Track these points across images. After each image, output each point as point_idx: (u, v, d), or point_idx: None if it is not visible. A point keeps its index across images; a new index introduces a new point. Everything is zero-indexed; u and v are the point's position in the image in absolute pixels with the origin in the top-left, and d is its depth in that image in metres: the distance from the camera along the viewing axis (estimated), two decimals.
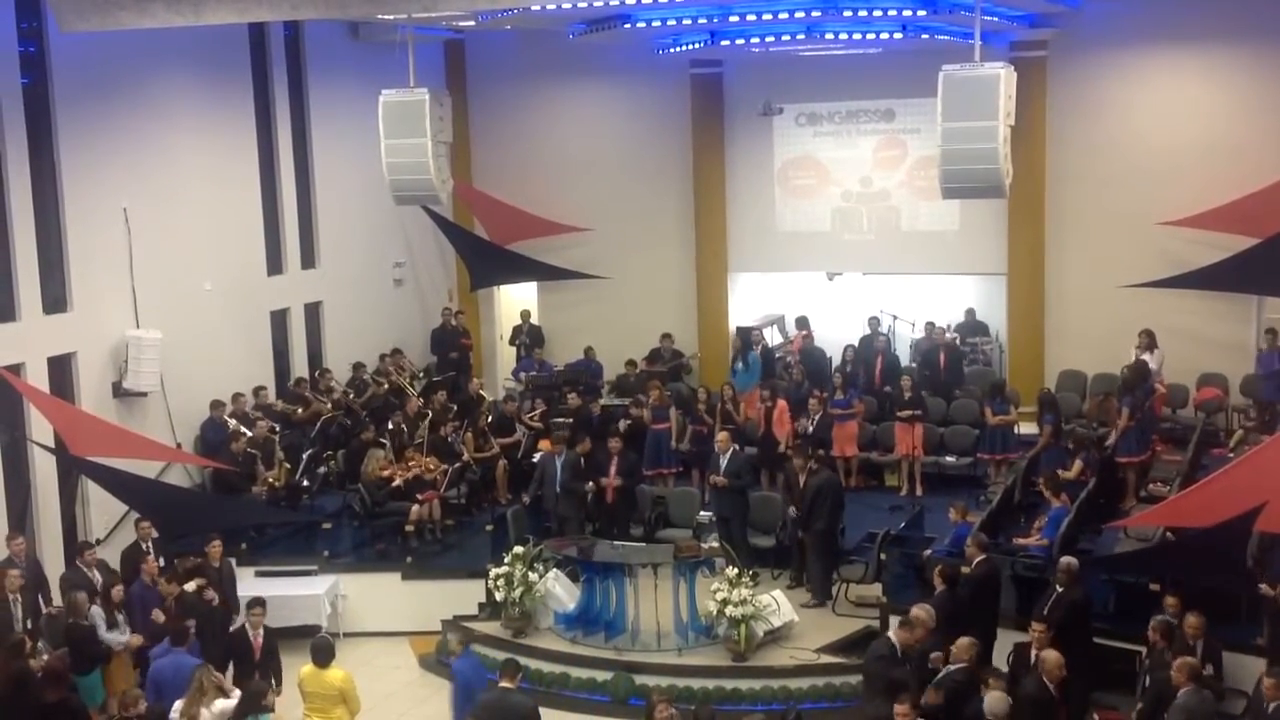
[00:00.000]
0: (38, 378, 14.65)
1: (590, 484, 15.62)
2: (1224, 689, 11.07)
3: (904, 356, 20.22)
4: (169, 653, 11.52)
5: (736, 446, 15.72)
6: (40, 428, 14.38)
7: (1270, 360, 17.44)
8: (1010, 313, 20.22)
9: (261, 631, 12.21)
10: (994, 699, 9.78)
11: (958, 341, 19.76)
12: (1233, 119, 18.59)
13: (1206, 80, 18.84)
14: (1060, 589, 11.67)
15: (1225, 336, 18.50)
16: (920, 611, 11.09)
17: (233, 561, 14.45)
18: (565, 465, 15.73)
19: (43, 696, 10.70)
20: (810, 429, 17.09)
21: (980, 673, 10.38)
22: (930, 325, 19.70)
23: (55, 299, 15.11)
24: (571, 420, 17.77)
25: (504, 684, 10.90)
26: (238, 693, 10.75)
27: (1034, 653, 10.72)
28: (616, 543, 14.78)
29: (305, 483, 16.78)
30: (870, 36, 17.57)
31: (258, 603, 12.33)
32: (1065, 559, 12.03)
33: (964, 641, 10.53)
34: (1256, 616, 11.83)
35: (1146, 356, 17.56)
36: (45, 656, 11.54)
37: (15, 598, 12.51)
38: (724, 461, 15.21)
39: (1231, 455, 15.34)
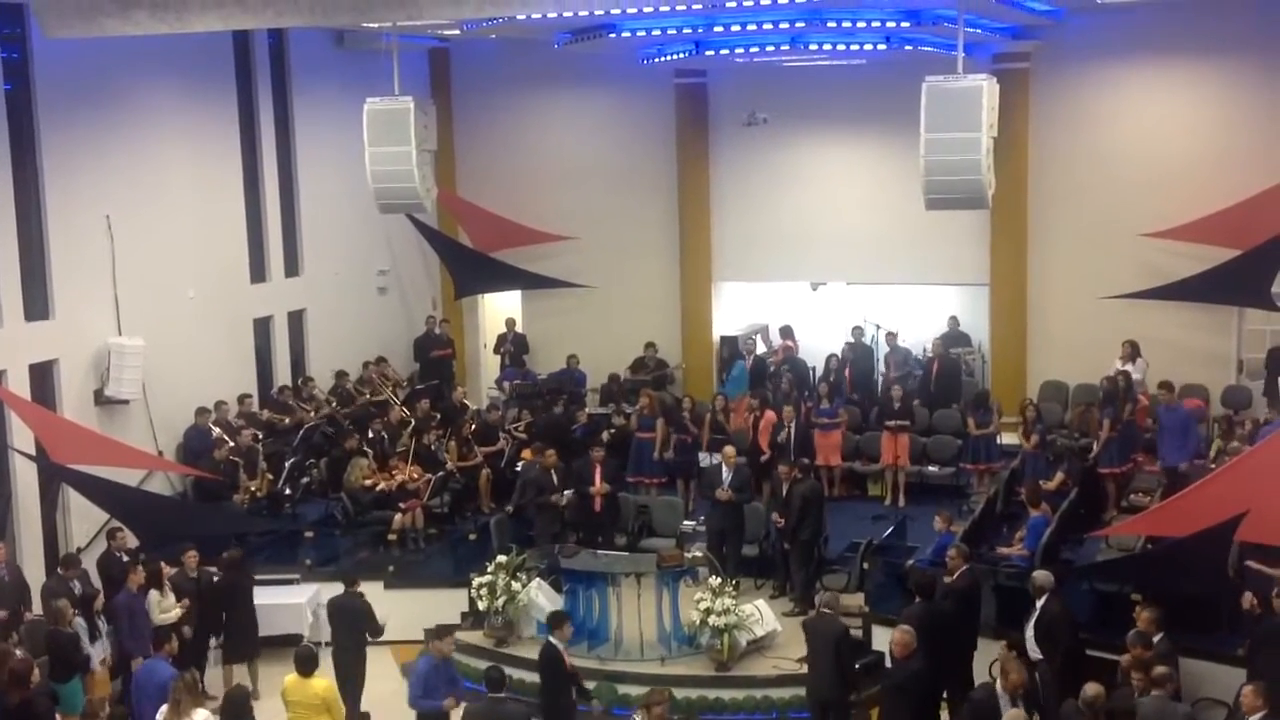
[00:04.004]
0: (19, 385, 14.60)
1: (567, 494, 15.58)
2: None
3: (885, 366, 20.30)
4: (151, 659, 11.56)
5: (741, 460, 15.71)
6: (21, 435, 14.33)
7: (1174, 418, 16.11)
8: (993, 323, 20.29)
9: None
10: (1013, 716, 9.77)
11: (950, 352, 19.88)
12: (1214, 131, 18.71)
13: (1188, 93, 18.96)
14: (1038, 603, 11.70)
15: (1206, 348, 18.58)
16: (900, 635, 10.95)
17: (212, 571, 14.39)
18: (529, 485, 15.76)
19: (7, 699, 10.66)
20: (787, 438, 17.05)
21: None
22: (892, 335, 19.82)
23: (37, 306, 15.07)
24: (542, 431, 17.83)
25: (493, 694, 10.94)
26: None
27: (995, 666, 10.67)
28: (600, 551, 14.77)
29: (288, 491, 16.74)
30: (854, 48, 17.59)
31: (564, 619, 11.99)
32: (1035, 573, 12.03)
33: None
34: (1237, 626, 11.89)
35: (1129, 367, 17.65)
36: None
37: None
38: (728, 475, 15.14)
39: (1212, 466, 15.40)
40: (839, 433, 17.79)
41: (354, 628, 12.96)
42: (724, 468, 15.24)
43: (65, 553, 14.31)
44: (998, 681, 10.35)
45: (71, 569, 13.36)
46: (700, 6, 14.74)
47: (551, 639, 11.65)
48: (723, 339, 21.35)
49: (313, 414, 18.24)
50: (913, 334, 20.37)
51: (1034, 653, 11.46)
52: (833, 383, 18.43)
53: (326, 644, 14.36)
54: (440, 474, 16.80)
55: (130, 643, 12.68)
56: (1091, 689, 9.90)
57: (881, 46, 17.31)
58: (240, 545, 15.99)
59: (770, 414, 17.31)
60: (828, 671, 11.61)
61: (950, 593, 12.05)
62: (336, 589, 14.35)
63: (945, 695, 11.63)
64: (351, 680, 12.84)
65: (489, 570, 14.26)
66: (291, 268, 19.55)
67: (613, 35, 17.53)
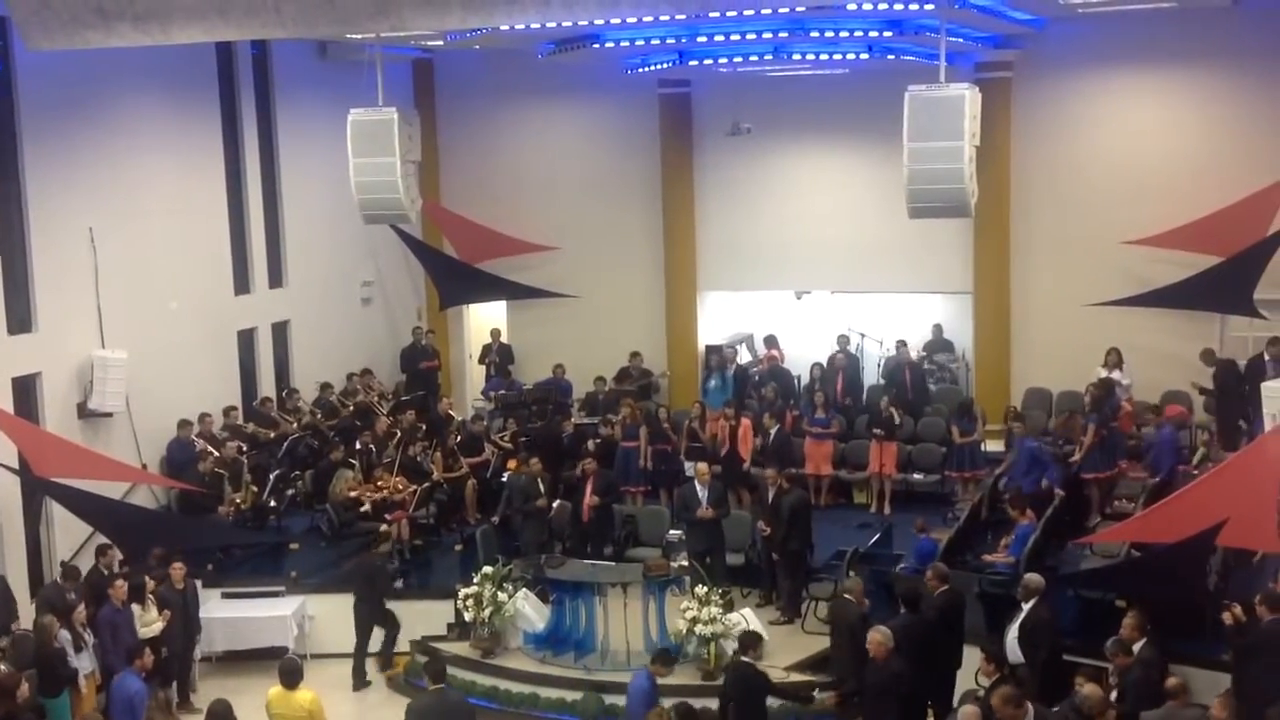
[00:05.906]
0: (1, 398, 14.52)
1: (558, 503, 15.56)
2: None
3: (871, 374, 20.34)
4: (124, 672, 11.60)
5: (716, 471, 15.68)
6: (4, 448, 14.25)
7: (1030, 449, 15.89)
8: (976, 331, 20.35)
9: None
10: (965, 713, 9.78)
11: (924, 360, 19.92)
12: (1196, 138, 18.82)
13: (1169, 101, 19.07)
14: (1025, 606, 11.73)
15: (1189, 355, 18.59)
16: (876, 635, 10.96)
17: (197, 583, 14.40)
18: (516, 490, 15.74)
19: None
20: (764, 444, 17.05)
21: None
22: (901, 343, 19.83)
23: (20, 319, 14.98)
24: (527, 440, 17.83)
25: (435, 686, 11.19)
26: None
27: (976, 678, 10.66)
28: (587, 561, 14.76)
29: (273, 503, 16.70)
30: (837, 57, 17.70)
31: (758, 639, 12.11)
32: (1027, 575, 12.10)
33: None
34: (1221, 632, 11.92)
35: (1116, 374, 17.71)
36: None
37: None
38: (704, 492, 14.96)
39: (1196, 472, 15.46)
40: (831, 443, 17.83)
41: (372, 581, 14.39)
42: (698, 485, 15.09)
43: (64, 563, 14.30)
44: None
45: (70, 580, 13.36)
46: (684, 17, 14.79)
47: (744, 658, 11.60)
48: (708, 348, 21.39)
49: (296, 425, 18.20)
50: (887, 341, 20.40)
51: (1014, 656, 11.48)
52: (827, 392, 18.43)
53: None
54: (426, 485, 16.77)
55: (113, 657, 12.64)
56: (1089, 688, 9.96)
57: (864, 56, 17.42)
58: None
59: (746, 422, 17.31)
60: (846, 652, 12.05)
61: (931, 608, 12.08)
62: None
63: (931, 705, 11.64)
64: (367, 629, 14.43)
65: (475, 581, 14.24)
66: (275, 279, 19.51)
67: (596, 45, 17.58)
